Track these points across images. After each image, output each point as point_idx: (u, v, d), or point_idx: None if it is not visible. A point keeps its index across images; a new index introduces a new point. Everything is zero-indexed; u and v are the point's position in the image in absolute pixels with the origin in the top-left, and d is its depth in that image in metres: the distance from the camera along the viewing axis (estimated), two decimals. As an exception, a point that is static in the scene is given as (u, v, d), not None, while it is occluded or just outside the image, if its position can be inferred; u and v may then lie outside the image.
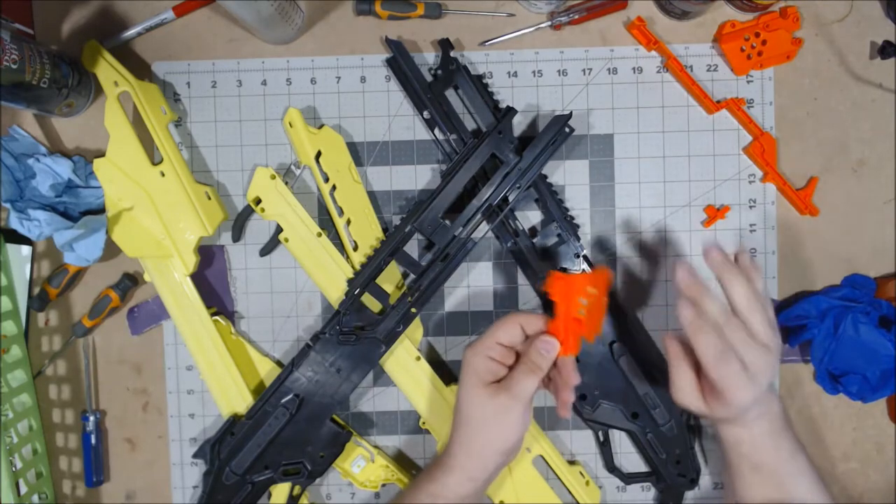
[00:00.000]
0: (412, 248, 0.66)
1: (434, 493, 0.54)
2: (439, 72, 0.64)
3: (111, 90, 0.61)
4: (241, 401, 0.63)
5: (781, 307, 0.66)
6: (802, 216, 0.66)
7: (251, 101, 0.66)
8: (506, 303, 0.67)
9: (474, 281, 0.67)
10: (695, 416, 0.62)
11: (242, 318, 0.67)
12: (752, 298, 0.51)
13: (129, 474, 0.68)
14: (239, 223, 0.66)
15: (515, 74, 0.66)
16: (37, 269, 0.67)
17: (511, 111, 0.63)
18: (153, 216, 0.62)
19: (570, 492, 0.65)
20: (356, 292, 0.61)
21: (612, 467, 0.66)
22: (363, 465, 0.66)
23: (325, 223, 0.66)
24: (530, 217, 0.67)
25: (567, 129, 0.62)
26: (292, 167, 0.65)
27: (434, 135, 0.65)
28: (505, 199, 0.62)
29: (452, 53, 0.64)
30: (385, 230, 0.66)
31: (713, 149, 0.66)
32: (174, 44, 0.66)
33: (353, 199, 0.64)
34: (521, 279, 0.66)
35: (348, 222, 0.64)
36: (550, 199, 0.64)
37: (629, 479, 0.66)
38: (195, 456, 0.63)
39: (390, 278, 0.65)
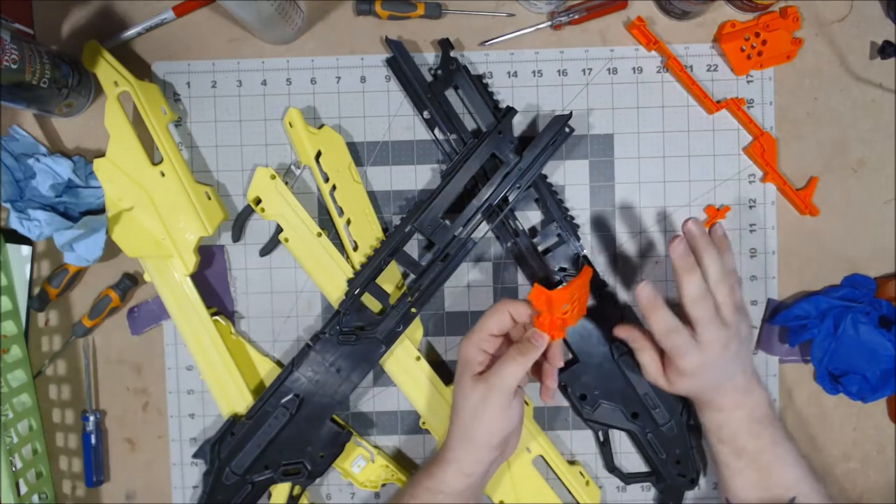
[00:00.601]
0: (412, 248, 0.66)
1: (430, 489, 0.55)
2: (439, 72, 0.64)
3: (111, 90, 0.61)
4: (241, 401, 0.63)
5: (781, 307, 0.66)
6: (802, 216, 0.66)
7: (251, 101, 0.66)
8: (506, 303, 0.67)
9: (474, 281, 0.67)
10: (695, 417, 0.62)
11: (242, 318, 0.67)
12: (721, 273, 0.55)
13: (129, 474, 0.68)
14: (239, 223, 0.66)
15: (515, 74, 0.66)
16: (37, 269, 0.67)
17: (511, 111, 0.63)
18: (153, 216, 0.62)
19: (570, 492, 0.65)
20: (356, 292, 0.61)
21: (612, 467, 0.66)
22: (363, 465, 0.66)
23: (325, 223, 0.66)
24: (530, 217, 0.67)
25: (567, 129, 0.62)
26: (292, 167, 0.65)
27: (434, 135, 0.65)
28: (505, 199, 0.62)
29: (452, 53, 0.64)
30: (385, 230, 0.66)
31: (713, 149, 0.66)
32: (174, 44, 0.66)
33: (353, 199, 0.64)
34: (522, 279, 0.66)
35: (348, 222, 0.64)
36: (550, 199, 0.64)
37: (629, 479, 0.66)
38: (195, 456, 0.63)
39: (390, 278, 0.65)
